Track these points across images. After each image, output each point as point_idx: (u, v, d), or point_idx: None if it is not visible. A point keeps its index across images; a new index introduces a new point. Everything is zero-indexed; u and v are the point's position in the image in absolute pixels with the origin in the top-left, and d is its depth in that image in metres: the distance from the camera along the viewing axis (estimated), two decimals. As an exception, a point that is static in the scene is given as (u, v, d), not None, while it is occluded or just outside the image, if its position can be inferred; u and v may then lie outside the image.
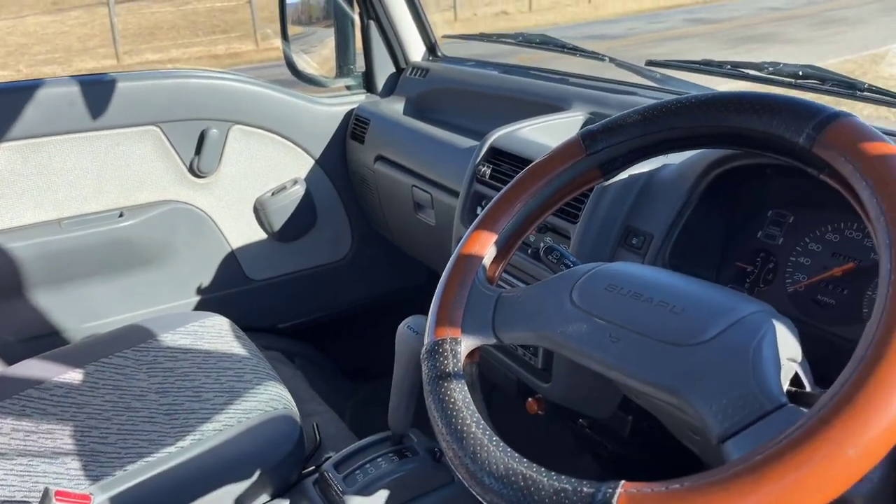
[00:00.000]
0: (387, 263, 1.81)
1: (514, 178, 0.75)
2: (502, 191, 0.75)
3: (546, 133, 1.21)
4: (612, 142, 0.71)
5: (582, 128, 1.24)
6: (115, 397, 1.12)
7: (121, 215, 1.48)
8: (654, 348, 0.57)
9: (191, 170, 1.54)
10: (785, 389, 0.55)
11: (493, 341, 0.67)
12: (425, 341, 0.69)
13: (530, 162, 1.10)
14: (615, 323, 0.60)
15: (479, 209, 1.20)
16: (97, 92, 1.41)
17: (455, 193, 1.31)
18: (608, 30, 10.86)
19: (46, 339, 1.46)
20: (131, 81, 1.44)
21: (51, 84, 1.37)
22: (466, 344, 0.67)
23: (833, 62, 6.11)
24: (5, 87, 1.37)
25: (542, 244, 1.06)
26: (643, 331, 0.58)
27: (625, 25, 11.18)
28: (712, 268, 0.92)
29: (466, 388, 0.63)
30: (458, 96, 1.56)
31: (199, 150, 1.53)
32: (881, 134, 0.56)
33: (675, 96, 0.69)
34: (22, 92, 1.35)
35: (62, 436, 1.03)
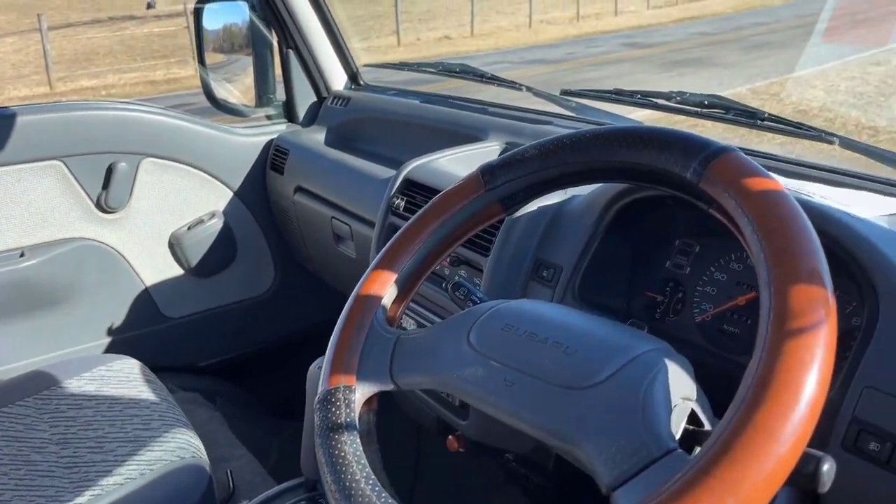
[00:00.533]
0: (311, 296, 1.77)
1: (415, 215, 0.72)
2: (402, 228, 0.72)
3: (462, 163, 1.20)
4: (510, 176, 0.69)
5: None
6: (14, 450, 1.05)
7: (22, 255, 1.40)
8: (546, 392, 0.55)
9: (98, 205, 1.47)
10: (681, 430, 0.54)
11: (390, 387, 0.65)
12: (318, 389, 0.65)
13: (443, 193, 1.10)
14: (510, 366, 0.58)
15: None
16: None
17: (372, 225, 1.28)
18: (548, 54, 11.10)
19: None
20: (32, 115, 1.37)
21: None
22: (362, 391, 0.64)
23: (760, 84, 6.36)
24: None
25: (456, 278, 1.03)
26: (536, 374, 0.56)
27: (564, 50, 11.45)
28: (622, 298, 0.91)
29: (359, 441, 0.60)
30: (380, 125, 1.54)
31: (106, 185, 1.46)
32: (764, 170, 0.55)
33: (572, 130, 0.68)
34: None
35: None
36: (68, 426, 1.11)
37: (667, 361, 0.55)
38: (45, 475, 1.01)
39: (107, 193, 1.46)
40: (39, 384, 1.23)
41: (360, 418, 0.63)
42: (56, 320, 1.47)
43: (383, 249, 0.72)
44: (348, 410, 0.62)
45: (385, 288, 0.70)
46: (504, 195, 0.71)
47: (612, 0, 16.37)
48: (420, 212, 0.72)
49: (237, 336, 1.72)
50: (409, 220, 0.72)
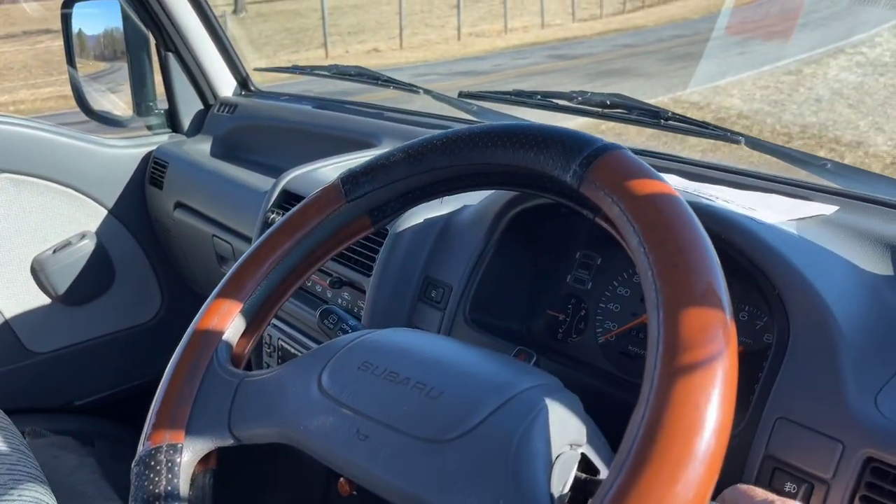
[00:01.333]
0: None
1: (263, 235, 0.60)
2: (248, 251, 0.60)
3: (349, 172, 1.08)
4: (375, 185, 0.58)
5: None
6: None
7: None
8: (404, 447, 0.44)
9: None
10: (570, 481, 0.44)
11: (229, 442, 0.53)
12: (137, 450, 0.53)
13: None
14: (364, 414, 0.47)
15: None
16: None
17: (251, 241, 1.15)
18: (476, 66, 11.15)
19: None
20: None
21: None
22: (193, 449, 0.52)
23: (681, 93, 6.50)
24: None
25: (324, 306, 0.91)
26: (392, 423, 0.46)
27: (492, 62, 11.52)
28: (521, 318, 0.81)
29: None
30: (268, 133, 1.41)
31: None
32: (653, 171, 0.46)
33: (442, 131, 0.57)
34: None
35: None
36: None
37: (548, 401, 0.45)
38: None
39: None
40: None
41: (192, 483, 0.51)
42: None
43: (227, 275, 0.60)
44: (171, 475, 0.50)
45: (228, 321, 0.58)
46: (371, 206, 0.60)
47: (538, 13, 16.67)
48: (270, 229, 0.60)
49: (119, 370, 1.54)
50: (257, 241, 0.60)
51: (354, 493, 1.00)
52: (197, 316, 0.58)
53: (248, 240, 1.18)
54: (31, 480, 0.97)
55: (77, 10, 1.49)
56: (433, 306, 0.81)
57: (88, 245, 1.42)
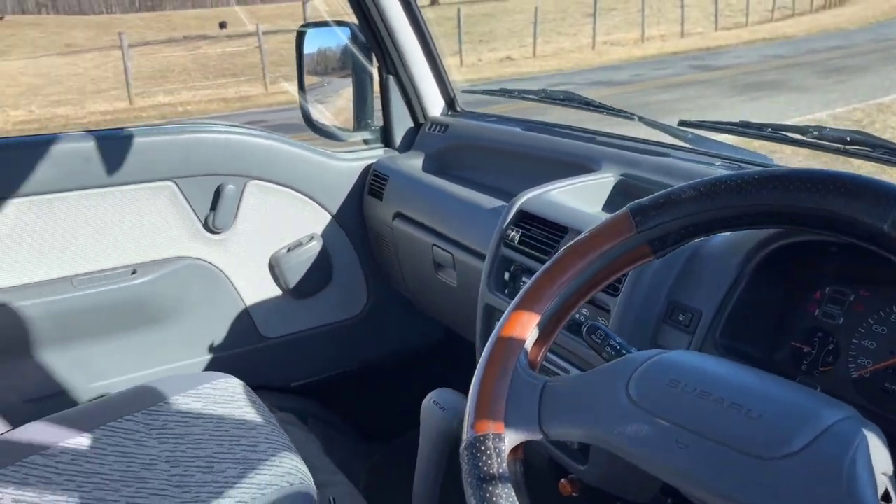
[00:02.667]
0: (402, 320, 1.76)
1: (557, 254, 0.70)
2: (544, 267, 0.69)
3: (576, 195, 1.17)
4: (664, 219, 0.66)
5: (614, 190, 1.20)
6: (124, 465, 1.06)
7: (133, 272, 1.43)
8: (732, 459, 0.51)
9: (206, 226, 1.49)
10: None
11: (539, 437, 0.62)
12: (465, 436, 0.63)
13: (561, 226, 1.07)
14: (683, 426, 0.55)
15: (506, 274, 1.15)
16: (112, 147, 1.38)
17: (478, 255, 1.26)
18: (613, 76, 10.99)
19: (52, 400, 1.40)
20: (147, 137, 1.41)
21: (66, 139, 1.34)
22: (510, 439, 0.62)
23: (841, 110, 6.13)
24: (20, 142, 1.33)
25: (583, 320, 1.00)
26: (718, 438, 0.53)
27: (629, 72, 11.32)
28: (765, 348, 0.86)
29: (512, 492, 0.58)
30: (480, 153, 1.52)
31: (214, 206, 1.49)
32: None
33: (731, 172, 0.64)
34: (37, 147, 1.31)
35: None
36: (177, 444, 1.11)
37: (864, 432, 0.51)
38: (155, 493, 1.01)
39: (214, 214, 1.48)
40: (146, 400, 1.25)
41: (508, 468, 0.61)
42: (160, 336, 1.50)
43: (524, 289, 0.69)
44: (499, 459, 0.60)
45: (527, 330, 0.67)
46: (655, 237, 0.67)
47: (677, 21, 16.14)
48: (563, 251, 0.69)
49: (328, 357, 1.72)
50: (551, 259, 0.70)
51: (574, 494, 1.08)
52: (499, 324, 0.68)
53: (470, 251, 1.29)
54: (287, 450, 1.12)
55: (310, 32, 1.67)
56: (680, 329, 0.88)
57: (315, 246, 1.60)
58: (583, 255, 0.69)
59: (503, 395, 0.63)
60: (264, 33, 13.47)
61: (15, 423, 1.37)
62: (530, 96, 1.51)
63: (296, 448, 1.15)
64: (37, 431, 1.18)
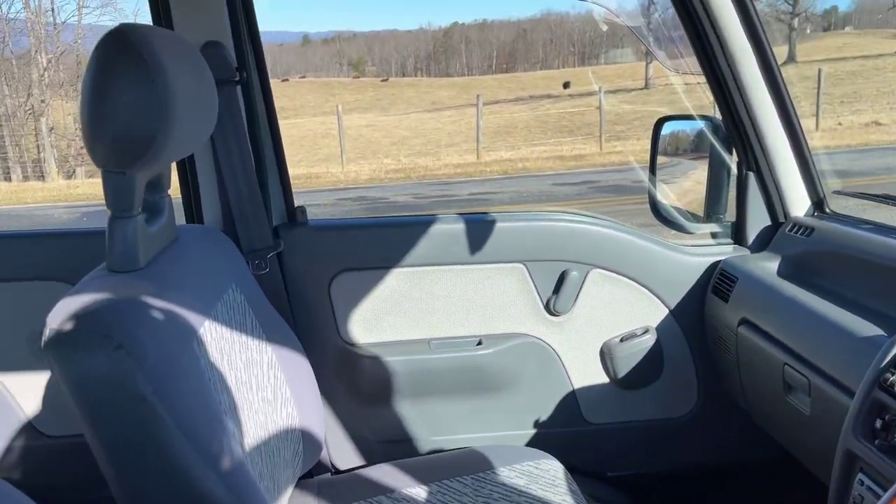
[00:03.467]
0: (733, 429, 1.63)
1: None
2: None
3: None
4: None
5: None
6: None
7: (479, 343, 1.58)
8: None
9: (546, 307, 1.58)
10: None
11: None
12: None
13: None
14: None
15: (878, 422, 1.00)
16: (477, 230, 1.55)
17: (842, 387, 1.12)
18: None
19: (399, 446, 1.60)
20: (505, 223, 1.56)
21: (442, 220, 1.54)
22: None
23: None
24: (407, 221, 1.58)
25: None
26: None
27: None
28: None
29: None
30: (852, 265, 1.35)
31: (557, 290, 1.57)
32: None
33: None
34: (418, 226, 1.54)
35: None
36: None
37: None
38: None
39: (556, 298, 1.57)
40: (476, 465, 1.36)
41: None
42: (493, 404, 1.62)
43: None
44: None
45: None
46: None
47: None
48: None
49: (649, 453, 1.67)
50: None
51: None
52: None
53: (832, 381, 1.15)
54: None
55: (669, 124, 1.68)
56: None
57: (649, 339, 1.59)
58: None
59: None
60: (606, 92, 13.90)
61: (368, 459, 1.60)
62: None
63: None
64: (385, 473, 1.37)
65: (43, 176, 13.70)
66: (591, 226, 1.58)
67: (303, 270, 1.52)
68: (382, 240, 1.56)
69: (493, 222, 1.56)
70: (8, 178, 13.65)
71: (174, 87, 0.87)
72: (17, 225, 9.19)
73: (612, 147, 12.49)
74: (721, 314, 1.51)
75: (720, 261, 1.57)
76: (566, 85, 21.34)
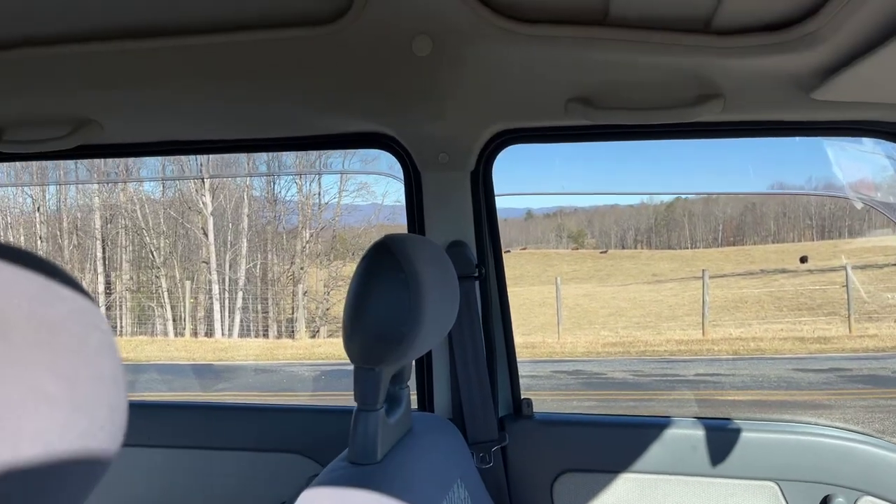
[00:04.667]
0: None
1: None
2: None
3: None
4: None
5: None
6: None
7: None
8: None
9: None
10: None
11: None
12: None
13: None
14: None
15: None
16: (718, 438, 1.41)
17: None
18: None
19: None
20: (753, 433, 1.40)
21: (677, 424, 1.43)
22: None
23: None
24: (638, 422, 1.48)
25: None
26: None
27: None
28: None
29: None
30: None
31: None
32: None
33: None
34: (653, 428, 1.44)
35: None
36: None
37: None
38: None
39: None
40: None
41: None
42: None
43: None
44: None
45: None
46: None
47: None
48: None
49: None
50: None
51: None
52: None
53: None
54: None
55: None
56: None
57: None
58: None
59: None
60: (854, 268, 12.59)
61: None
62: None
63: None
64: None
65: (293, 333, 15.51)
66: (862, 444, 1.36)
67: (526, 467, 1.48)
68: (611, 439, 1.47)
69: (738, 430, 1.41)
70: (266, 335, 15.64)
71: (425, 291, 0.94)
72: (268, 380, 10.32)
73: (863, 329, 11.06)
74: None
75: None
76: (804, 259, 19.80)
